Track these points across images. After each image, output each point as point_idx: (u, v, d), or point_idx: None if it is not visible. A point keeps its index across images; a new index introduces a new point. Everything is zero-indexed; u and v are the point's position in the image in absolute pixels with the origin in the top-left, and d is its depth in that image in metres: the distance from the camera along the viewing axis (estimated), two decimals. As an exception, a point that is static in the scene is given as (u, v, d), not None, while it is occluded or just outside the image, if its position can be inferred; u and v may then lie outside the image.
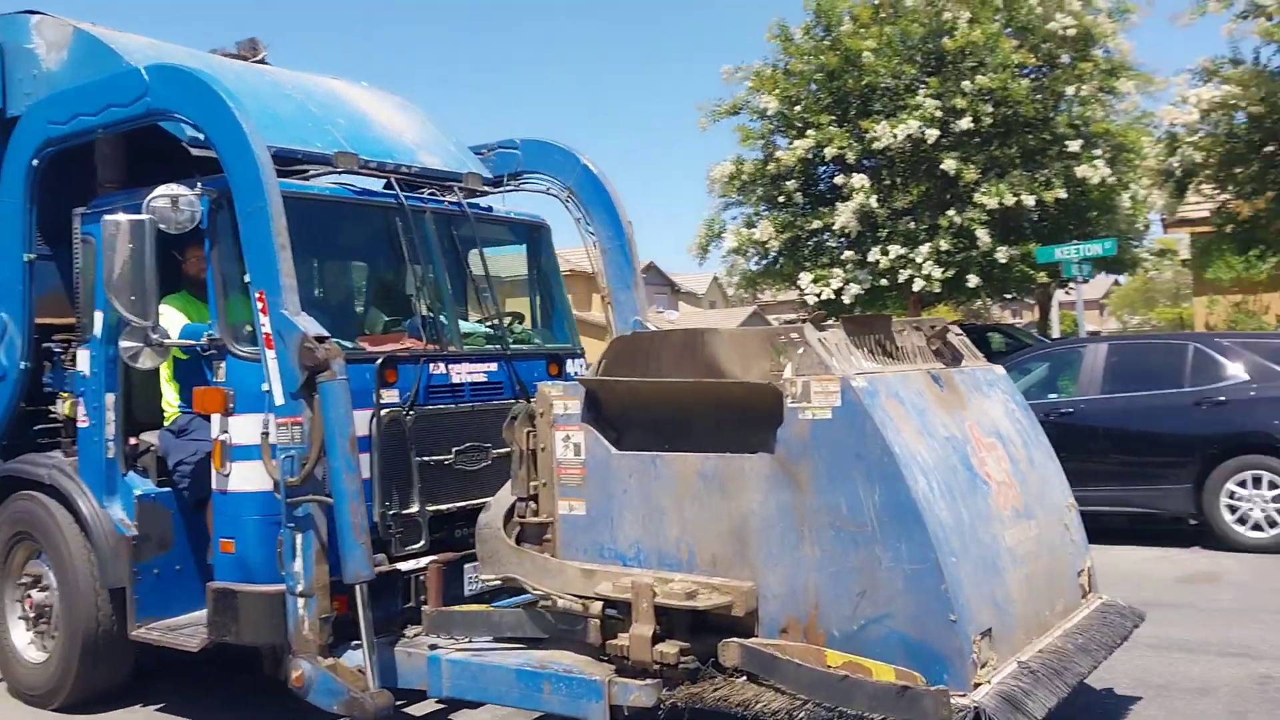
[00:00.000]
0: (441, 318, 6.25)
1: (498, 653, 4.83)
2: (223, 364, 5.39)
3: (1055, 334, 22.82)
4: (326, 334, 4.92)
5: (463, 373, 6.23)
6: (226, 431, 5.29)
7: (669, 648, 4.31)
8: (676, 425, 4.67)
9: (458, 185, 6.73)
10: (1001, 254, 16.52)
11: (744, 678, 4.26)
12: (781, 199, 17.71)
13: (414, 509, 5.83)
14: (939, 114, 16.08)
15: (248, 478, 5.28)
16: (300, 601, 4.96)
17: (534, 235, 7.45)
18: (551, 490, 4.86)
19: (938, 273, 16.55)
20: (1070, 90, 16.80)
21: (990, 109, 16.07)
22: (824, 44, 17.47)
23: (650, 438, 4.74)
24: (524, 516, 4.92)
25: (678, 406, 4.66)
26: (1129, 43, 17.64)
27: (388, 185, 6.43)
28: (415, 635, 5.16)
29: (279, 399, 4.96)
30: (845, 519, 4.22)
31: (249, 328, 5.30)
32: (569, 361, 6.94)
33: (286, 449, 4.94)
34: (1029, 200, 16.13)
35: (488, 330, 6.65)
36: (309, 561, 4.93)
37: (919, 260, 16.53)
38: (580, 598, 4.62)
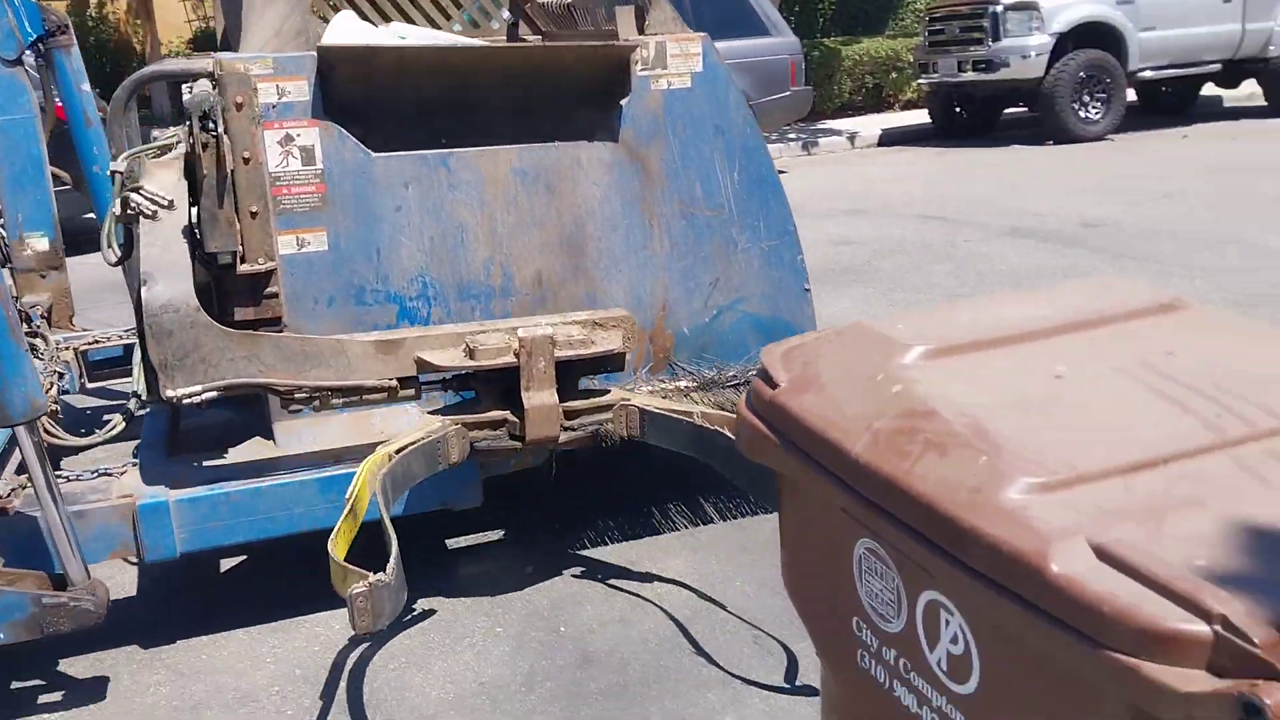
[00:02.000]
0: None
1: (252, 475, 3.23)
2: None
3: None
4: None
5: None
6: None
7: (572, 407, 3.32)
8: (460, 109, 3.39)
9: None
10: None
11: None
12: None
13: None
14: None
15: None
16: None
17: None
18: (265, 223, 3.22)
19: None
20: None
21: None
22: None
23: (415, 132, 3.37)
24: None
25: (468, 83, 3.36)
26: None
27: None
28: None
29: None
30: (700, 203, 3.64)
31: None
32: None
33: None
34: None
35: None
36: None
37: None
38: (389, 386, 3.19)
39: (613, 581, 3.57)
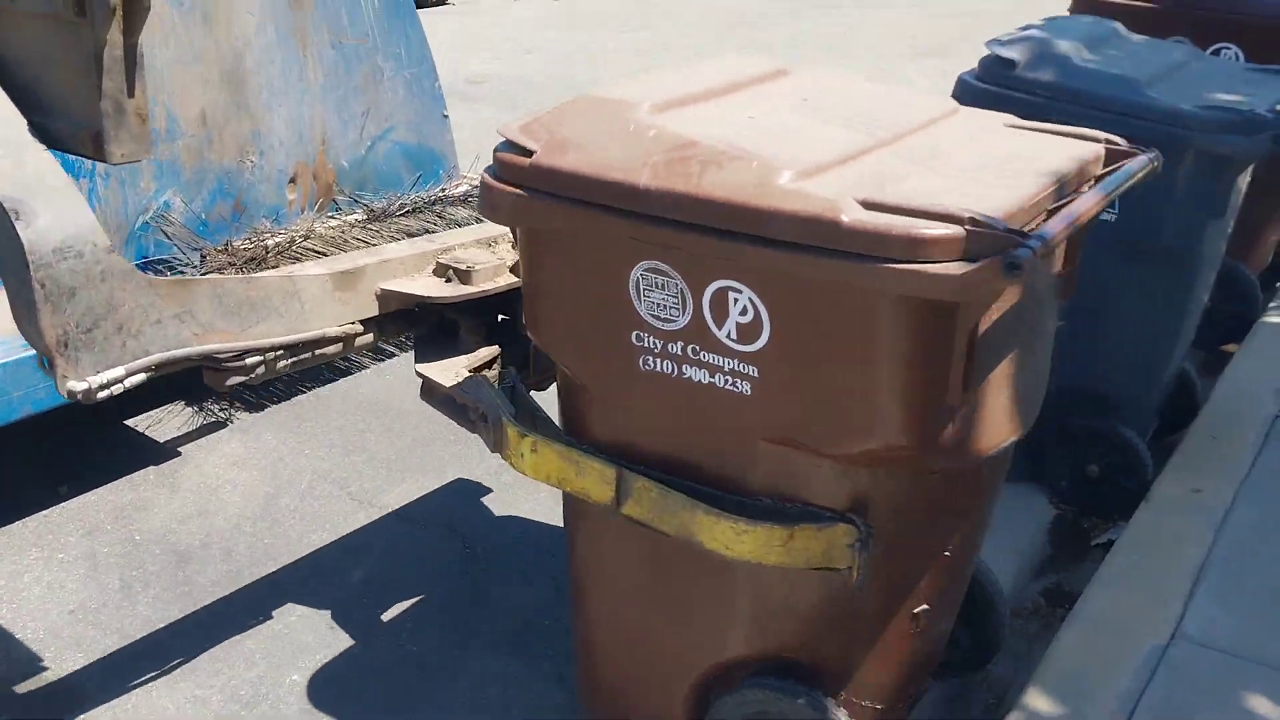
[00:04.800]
0: None
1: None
2: None
3: None
4: None
5: None
6: None
7: None
8: None
9: None
10: None
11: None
12: None
13: None
14: None
15: None
16: None
17: None
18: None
19: None
20: None
21: None
22: None
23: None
24: None
25: None
26: None
27: None
28: None
29: None
30: (347, 32, 3.65)
31: None
32: None
33: None
34: None
35: None
36: None
37: None
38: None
39: (174, 480, 3.41)
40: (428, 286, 2.57)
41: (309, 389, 3.92)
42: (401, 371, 3.98)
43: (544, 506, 3.23)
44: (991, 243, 1.56)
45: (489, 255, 2.64)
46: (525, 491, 3.31)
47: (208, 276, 2.56)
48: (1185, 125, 2.81)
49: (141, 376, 2.15)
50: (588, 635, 2.29)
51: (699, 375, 1.87)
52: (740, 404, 1.84)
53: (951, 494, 2.01)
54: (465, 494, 3.36)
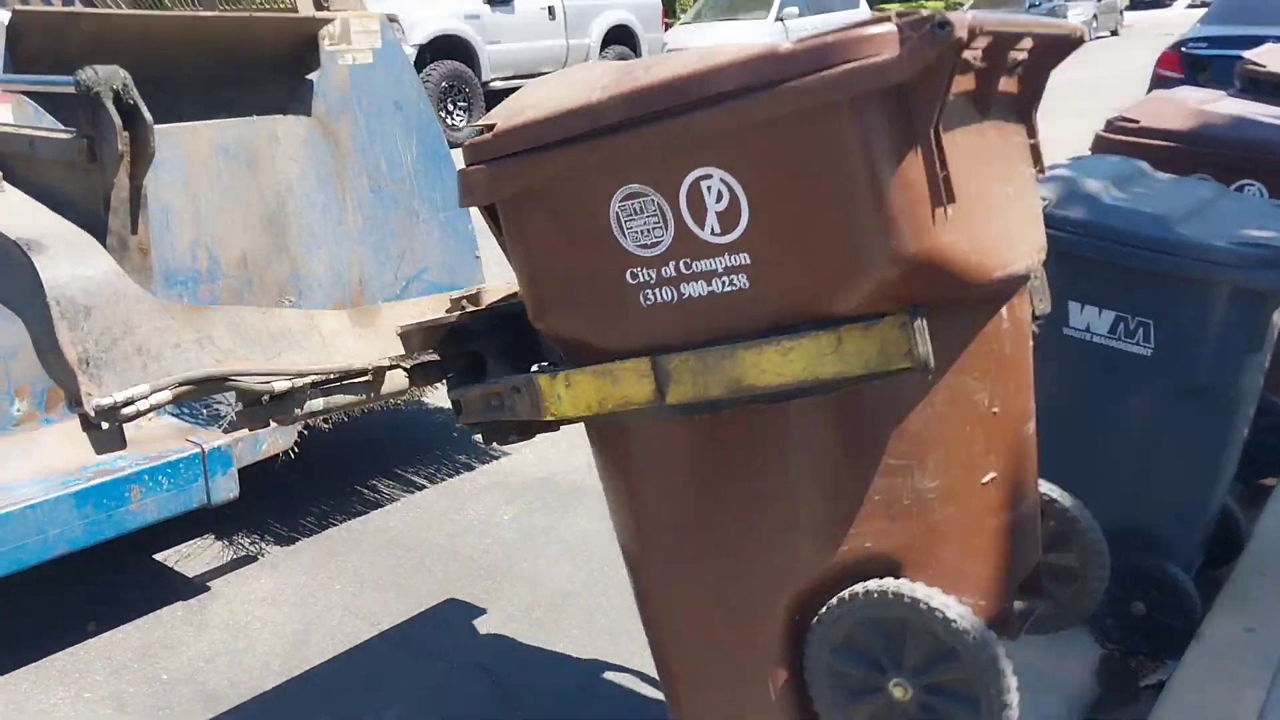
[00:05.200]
0: None
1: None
2: None
3: None
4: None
5: None
6: None
7: None
8: (154, 82, 3.19)
9: None
10: None
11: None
12: None
13: None
14: None
15: None
16: None
17: None
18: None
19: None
20: None
21: None
22: None
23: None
24: None
25: (165, 54, 3.17)
26: None
27: None
28: None
29: None
30: (386, 177, 3.76)
31: None
32: None
33: None
34: None
35: None
36: None
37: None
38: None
39: (202, 617, 3.38)
40: (440, 315, 2.48)
41: (340, 522, 3.90)
42: (432, 506, 3.98)
43: (578, 643, 3.17)
44: (925, 24, 1.64)
45: (501, 285, 2.61)
46: (559, 628, 3.25)
47: (223, 306, 2.59)
48: (1219, 261, 2.82)
49: (167, 394, 2.09)
50: (662, 634, 2.16)
51: (698, 289, 1.87)
52: (743, 302, 1.83)
53: (979, 346, 1.97)
54: (498, 630, 3.29)
